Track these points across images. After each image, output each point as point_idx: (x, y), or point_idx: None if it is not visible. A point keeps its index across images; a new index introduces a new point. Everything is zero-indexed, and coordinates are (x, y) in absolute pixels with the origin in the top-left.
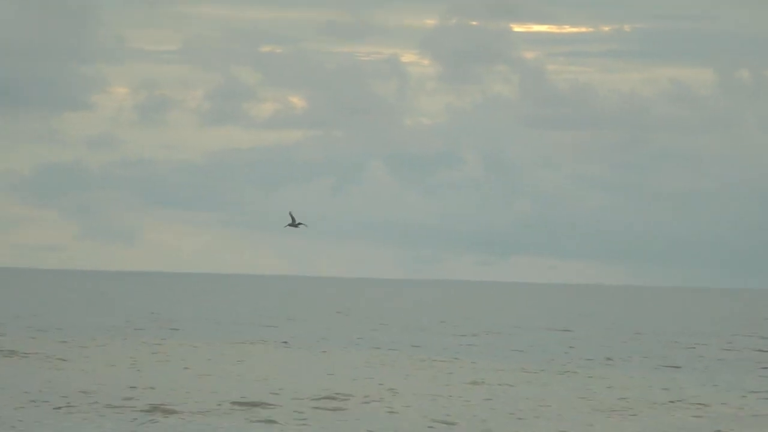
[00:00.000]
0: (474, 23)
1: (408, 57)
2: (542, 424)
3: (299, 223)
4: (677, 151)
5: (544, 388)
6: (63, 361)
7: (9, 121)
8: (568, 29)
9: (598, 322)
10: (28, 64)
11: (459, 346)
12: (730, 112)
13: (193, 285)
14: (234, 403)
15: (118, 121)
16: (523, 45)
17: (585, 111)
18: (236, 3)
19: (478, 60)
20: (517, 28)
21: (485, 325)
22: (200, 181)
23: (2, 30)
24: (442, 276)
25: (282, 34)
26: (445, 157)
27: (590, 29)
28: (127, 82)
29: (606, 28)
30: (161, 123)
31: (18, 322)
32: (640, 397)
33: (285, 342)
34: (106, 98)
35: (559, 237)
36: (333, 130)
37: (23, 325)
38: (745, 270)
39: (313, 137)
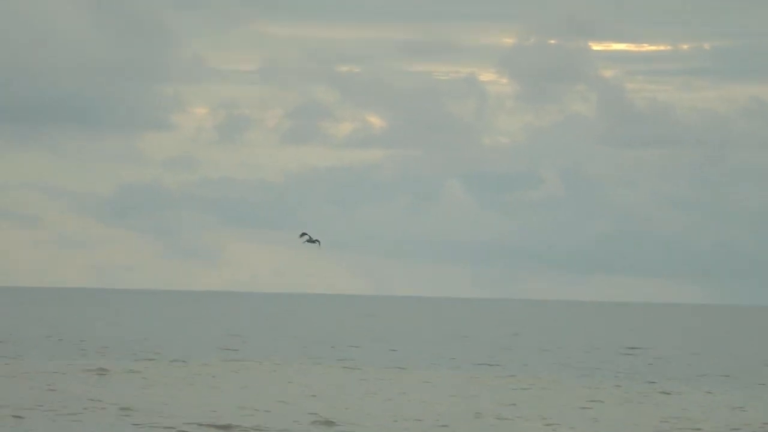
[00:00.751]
0: (552, 42)
1: (486, 76)
2: None
3: (316, 240)
4: (756, 168)
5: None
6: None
7: (90, 141)
8: (646, 47)
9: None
10: (109, 85)
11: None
12: None
13: (277, 305)
14: None
15: (198, 141)
16: (602, 63)
17: (664, 129)
18: (314, 23)
19: (556, 79)
20: (596, 46)
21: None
22: (278, 201)
23: (83, 51)
24: (520, 295)
25: (360, 54)
26: (523, 175)
27: (669, 47)
28: (206, 102)
29: (685, 47)
30: (240, 142)
31: (132, 346)
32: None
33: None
34: (185, 118)
35: (638, 255)
36: (411, 149)
37: (141, 349)
38: None
39: (390, 156)
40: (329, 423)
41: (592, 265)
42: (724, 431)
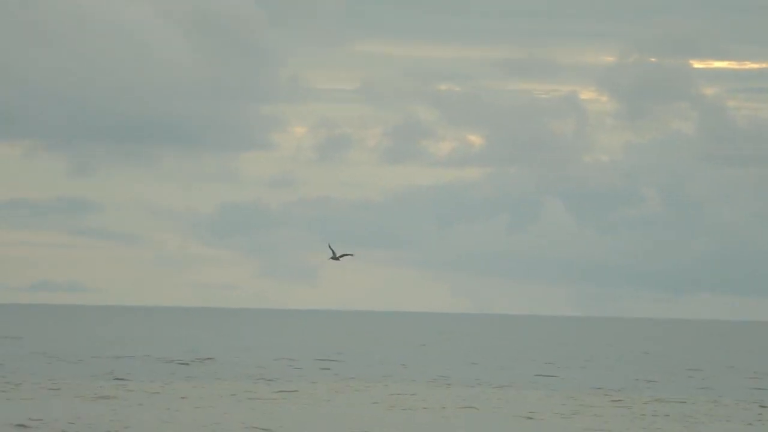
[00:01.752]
0: (653, 60)
1: (586, 94)
2: None
3: (342, 255)
4: None
5: None
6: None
7: (190, 161)
8: (749, 65)
9: None
10: (210, 105)
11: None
12: None
13: (381, 323)
14: None
15: (297, 160)
16: (703, 81)
17: (765, 147)
18: (414, 42)
19: (657, 97)
20: (697, 64)
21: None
22: (379, 219)
23: (185, 71)
24: (620, 313)
25: (460, 73)
26: (623, 194)
27: None
28: (306, 122)
29: None
30: (340, 161)
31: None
32: None
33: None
34: (285, 138)
35: (739, 274)
36: (510, 167)
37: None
38: None
39: (490, 175)
40: None
41: (692, 283)
42: None
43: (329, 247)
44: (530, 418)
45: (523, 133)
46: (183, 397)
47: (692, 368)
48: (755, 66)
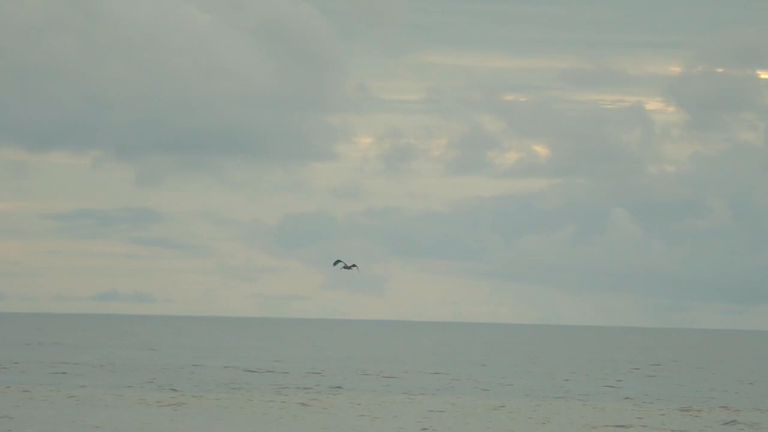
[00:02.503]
0: (720, 70)
1: (653, 104)
2: None
3: (352, 265)
4: None
5: None
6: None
7: (256, 171)
8: None
9: None
10: (275, 115)
11: None
12: None
13: (448, 334)
14: None
15: (363, 171)
16: None
17: None
18: (479, 52)
19: (724, 107)
20: (764, 74)
21: None
22: (444, 230)
23: (251, 82)
24: (687, 324)
25: (525, 83)
26: (690, 204)
27: None
28: (371, 132)
29: None
30: (405, 172)
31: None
32: None
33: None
34: (351, 148)
35: None
36: (576, 178)
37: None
38: None
39: (556, 185)
40: None
41: (760, 294)
42: None
43: (338, 261)
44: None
45: (589, 143)
46: (325, 408)
47: (752, 381)
48: None
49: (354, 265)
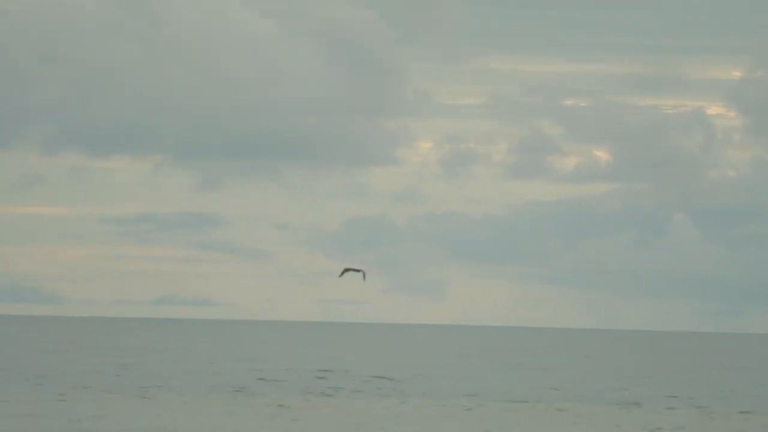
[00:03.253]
0: None
1: (714, 109)
2: None
3: (359, 269)
4: None
5: None
6: None
7: (316, 176)
8: None
9: None
10: (336, 121)
11: None
12: None
13: (509, 338)
14: None
15: (423, 175)
16: None
17: None
18: (540, 57)
19: None
20: None
21: None
22: (503, 234)
23: (313, 87)
24: (746, 329)
25: (585, 88)
26: (750, 209)
27: None
28: (432, 137)
29: None
30: (465, 176)
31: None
32: None
33: None
34: (411, 152)
35: None
36: (637, 183)
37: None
38: None
39: (616, 190)
40: None
41: None
42: None
43: (346, 270)
44: None
45: (650, 148)
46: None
47: None
48: None
49: (360, 270)
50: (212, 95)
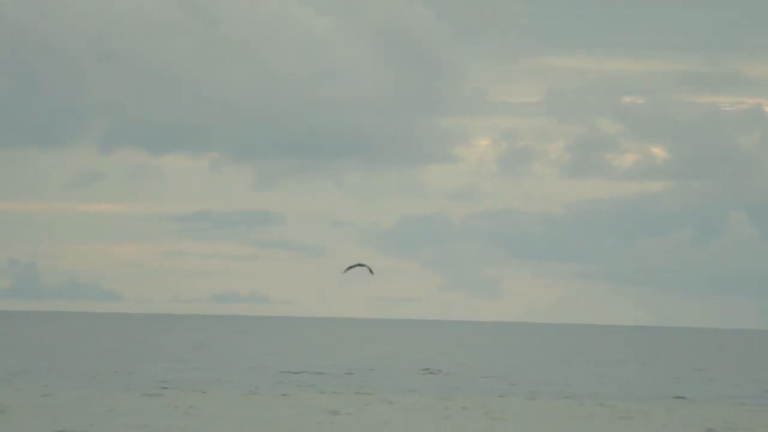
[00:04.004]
0: None
1: None
2: None
3: (364, 264)
4: None
5: None
6: None
7: (373, 174)
8: None
9: None
10: (392, 119)
11: None
12: None
13: (566, 336)
14: None
15: (480, 173)
16: None
17: None
18: (597, 55)
19: None
20: None
21: None
22: (561, 233)
23: (368, 85)
24: None
25: (643, 85)
26: None
27: None
28: (488, 135)
29: None
30: (523, 174)
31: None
32: None
33: None
34: (468, 150)
35: None
36: (694, 180)
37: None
38: None
39: (674, 188)
40: None
41: None
42: None
43: (350, 267)
44: None
45: (707, 145)
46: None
47: None
48: None
49: (365, 265)
50: (269, 93)
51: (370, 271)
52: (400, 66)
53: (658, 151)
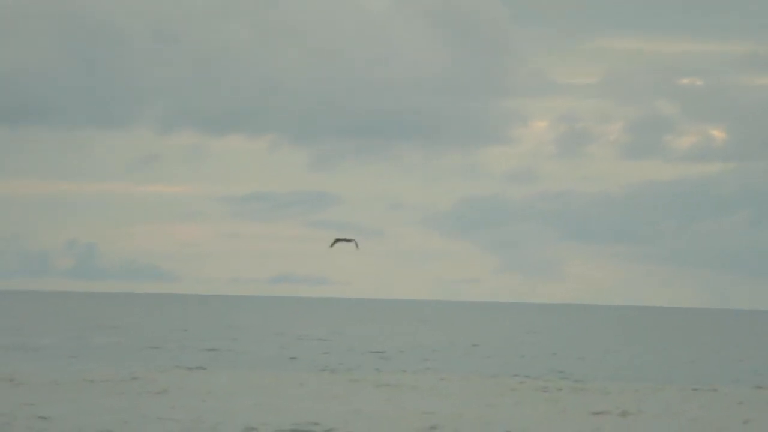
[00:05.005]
0: None
1: None
2: None
3: (350, 239)
4: None
5: None
6: None
7: (431, 155)
8: None
9: None
10: (451, 100)
11: None
12: None
13: (631, 318)
14: None
15: (538, 155)
16: None
17: None
18: (655, 36)
19: None
20: None
21: None
22: (619, 214)
23: (428, 66)
24: None
25: (702, 67)
26: None
27: None
28: (546, 116)
29: None
30: (581, 156)
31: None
32: None
33: None
34: (526, 132)
35: None
36: (753, 162)
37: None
38: None
39: (732, 170)
40: None
41: None
42: None
43: (338, 241)
44: None
45: (766, 127)
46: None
47: None
48: None
49: (353, 240)
50: (327, 75)
51: (356, 246)
52: (459, 47)
53: (717, 133)
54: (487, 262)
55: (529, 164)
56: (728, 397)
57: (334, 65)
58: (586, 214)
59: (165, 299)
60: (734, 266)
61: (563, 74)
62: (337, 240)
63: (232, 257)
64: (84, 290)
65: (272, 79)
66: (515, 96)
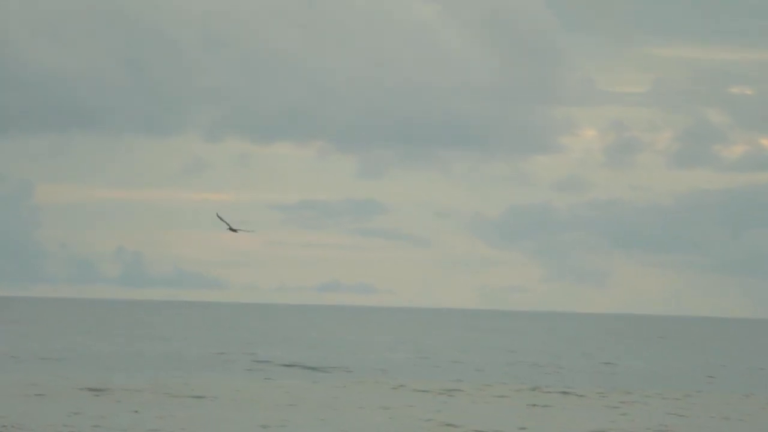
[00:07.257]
0: None
1: None
2: None
3: (238, 229)
4: None
5: None
6: None
7: (480, 163)
8: None
9: None
10: (499, 108)
11: None
12: None
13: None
14: None
15: (587, 163)
16: None
17: None
18: (704, 44)
19: None
20: None
21: None
22: (668, 224)
23: (474, 73)
24: None
25: (752, 75)
26: None
27: None
28: (595, 125)
29: None
30: (629, 165)
31: None
32: None
33: None
34: (575, 140)
35: None
36: None
37: None
38: None
39: None
40: None
41: None
42: None
43: (220, 218)
44: None
45: None
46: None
47: None
48: None
49: (240, 229)
50: (375, 81)
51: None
52: (507, 54)
53: (767, 142)
54: (535, 271)
55: (578, 173)
56: None
57: (382, 71)
58: (635, 223)
59: (214, 307)
60: None
61: (612, 82)
62: (224, 222)
63: (279, 265)
64: (131, 298)
65: (320, 86)
66: (563, 104)
